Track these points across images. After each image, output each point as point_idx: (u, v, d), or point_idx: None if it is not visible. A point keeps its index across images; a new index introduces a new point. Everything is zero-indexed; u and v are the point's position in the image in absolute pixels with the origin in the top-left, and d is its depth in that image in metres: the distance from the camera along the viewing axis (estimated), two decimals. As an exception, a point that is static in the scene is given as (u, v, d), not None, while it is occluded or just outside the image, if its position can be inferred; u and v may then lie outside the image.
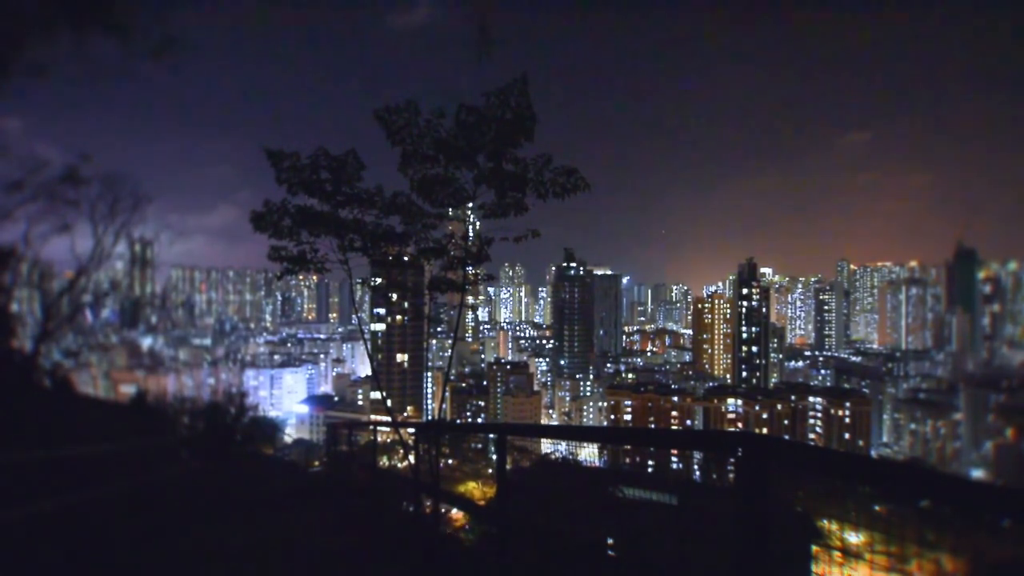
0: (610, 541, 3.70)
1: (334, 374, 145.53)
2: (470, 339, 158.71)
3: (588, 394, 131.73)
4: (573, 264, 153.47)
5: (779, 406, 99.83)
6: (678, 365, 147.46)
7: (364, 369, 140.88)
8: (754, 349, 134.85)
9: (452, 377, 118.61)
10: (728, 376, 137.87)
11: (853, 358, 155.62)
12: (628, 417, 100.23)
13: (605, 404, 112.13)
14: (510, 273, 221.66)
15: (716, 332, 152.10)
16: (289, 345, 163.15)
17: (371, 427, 10.13)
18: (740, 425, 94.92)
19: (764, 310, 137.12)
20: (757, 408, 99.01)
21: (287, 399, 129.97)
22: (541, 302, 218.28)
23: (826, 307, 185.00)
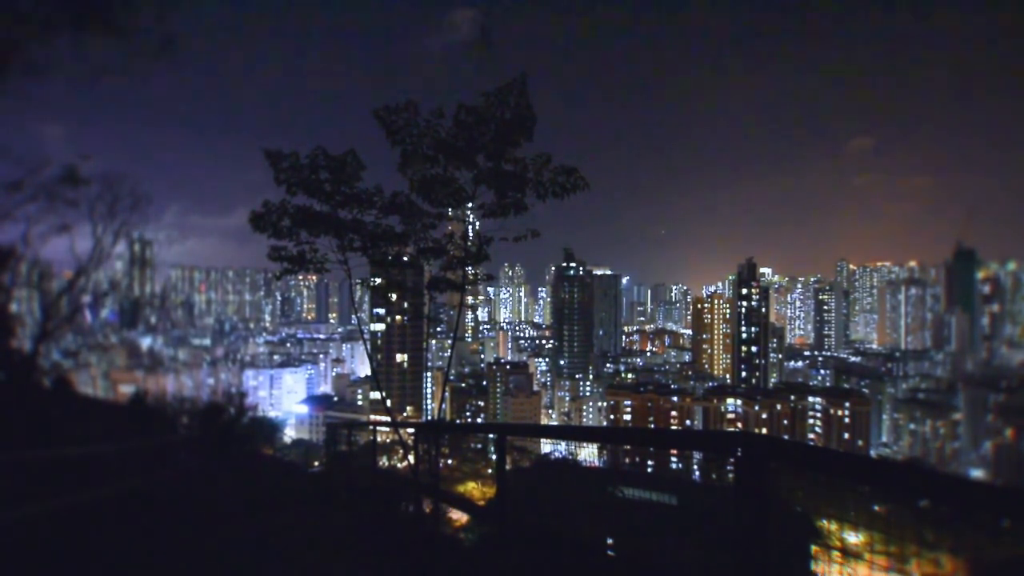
0: (610, 541, 3.70)
1: (334, 374, 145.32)
2: (470, 339, 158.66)
3: (588, 394, 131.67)
4: (573, 264, 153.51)
5: (779, 406, 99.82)
6: (678, 365, 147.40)
7: (364, 369, 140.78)
8: (754, 349, 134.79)
9: (452, 377, 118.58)
10: (728, 376, 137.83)
11: (852, 358, 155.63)
12: (628, 417, 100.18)
13: (605, 404, 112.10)
14: (510, 273, 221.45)
15: (716, 332, 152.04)
16: (288, 345, 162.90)
17: (370, 427, 10.12)
18: (739, 425, 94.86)
19: (764, 310, 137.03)
20: (756, 408, 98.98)
21: (287, 399, 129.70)
22: (541, 302, 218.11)
23: (826, 307, 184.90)
